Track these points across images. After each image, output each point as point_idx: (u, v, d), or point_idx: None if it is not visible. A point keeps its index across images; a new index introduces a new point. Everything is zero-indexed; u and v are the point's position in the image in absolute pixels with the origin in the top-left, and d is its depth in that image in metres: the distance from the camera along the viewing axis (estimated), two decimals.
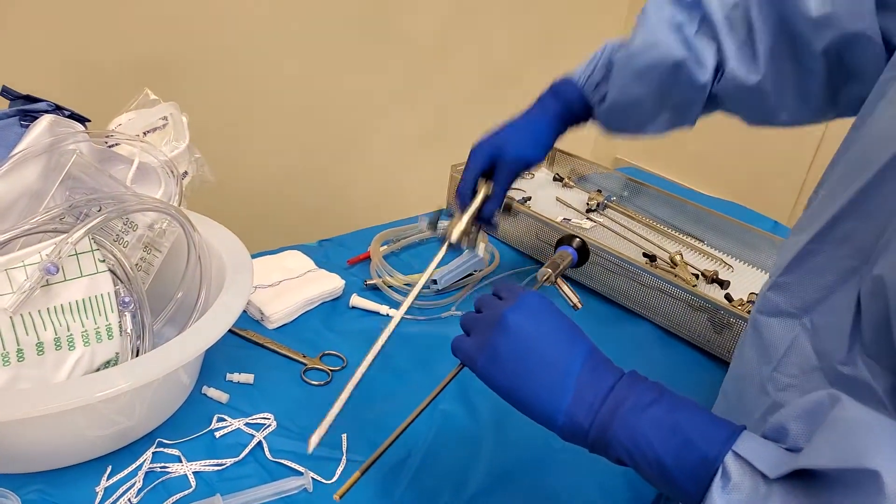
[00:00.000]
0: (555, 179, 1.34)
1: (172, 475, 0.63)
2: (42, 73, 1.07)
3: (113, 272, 0.66)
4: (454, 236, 0.71)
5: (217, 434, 0.69)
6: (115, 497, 0.60)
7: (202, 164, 0.88)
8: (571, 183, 1.32)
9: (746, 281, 1.06)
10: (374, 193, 1.73)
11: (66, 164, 0.69)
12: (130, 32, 1.17)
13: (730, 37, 0.68)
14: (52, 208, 0.64)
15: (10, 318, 0.59)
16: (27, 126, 0.70)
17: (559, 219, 1.16)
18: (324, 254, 1.03)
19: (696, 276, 1.03)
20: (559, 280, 0.82)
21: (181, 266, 0.74)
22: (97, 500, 0.60)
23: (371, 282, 0.96)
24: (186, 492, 0.62)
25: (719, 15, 0.68)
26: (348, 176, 1.67)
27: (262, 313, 0.86)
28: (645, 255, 1.08)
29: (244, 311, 0.86)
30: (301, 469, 0.66)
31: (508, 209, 0.93)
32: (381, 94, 1.61)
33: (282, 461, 0.66)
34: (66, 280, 0.62)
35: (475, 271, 1.02)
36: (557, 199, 1.27)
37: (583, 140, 1.32)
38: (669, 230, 1.19)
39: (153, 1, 1.16)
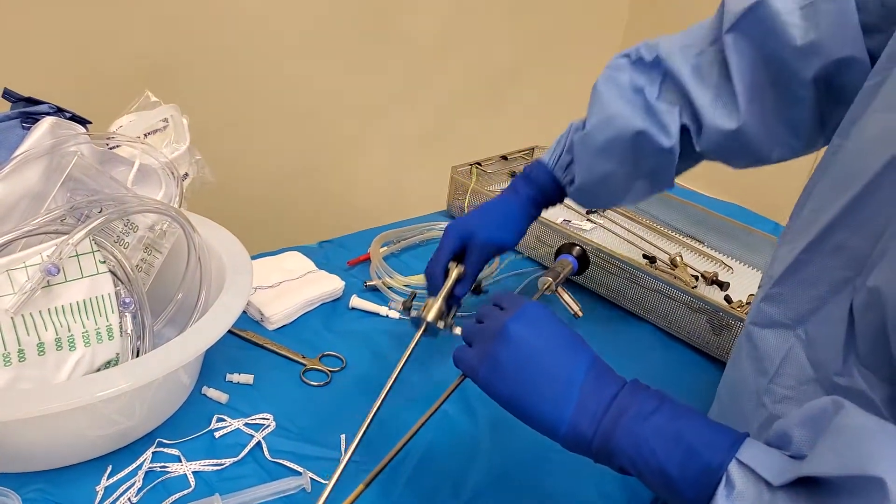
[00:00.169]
0: None
1: (172, 475, 0.64)
2: (43, 76, 1.07)
3: (113, 273, 0.67)
4: (430, 317, 0.71)
5: (216, 434, 0.69)
6: (115, 496, 0.61)
7: (203, 165, 0.89)
8: None
9: (746, 282, 1.06)
10: (374, 194, 1.73)
11: (68, 166, 0.69)
12: (131, 35, 1.17)
13: (700, 88, 0.67)
14: (54, 210, 0.64)
15: (12, 318, 0.59)
16: (29, 128, 0.70)
17: (559, 220, 1.16)
18: (324, 255, 1.03)
19: (696, 278, 1.03)
20: (560, 289, 0.83)
21: (181, 267, 0.74)
22: (97, 499, 0.60)
23: (371, 283, 0.96)
24: (186, 491, 0.62)
25: (685, 68, 0.67)
26: (348, 177, 1.67)
27: (262, 314, 0.86)
28: (645, 256, 1.08)
29: (244, 312, 0.87)
30: (300, 469, 0.66)
31: (478, 288, 0.97)
32: (381, 94, 1.61)
33: (281, 461, 0.67)
34: (66, 281, 0.63)
35: None
36: None
37: None
38: (670, 232, 1.19)
39: (154, 3, 1.17)
